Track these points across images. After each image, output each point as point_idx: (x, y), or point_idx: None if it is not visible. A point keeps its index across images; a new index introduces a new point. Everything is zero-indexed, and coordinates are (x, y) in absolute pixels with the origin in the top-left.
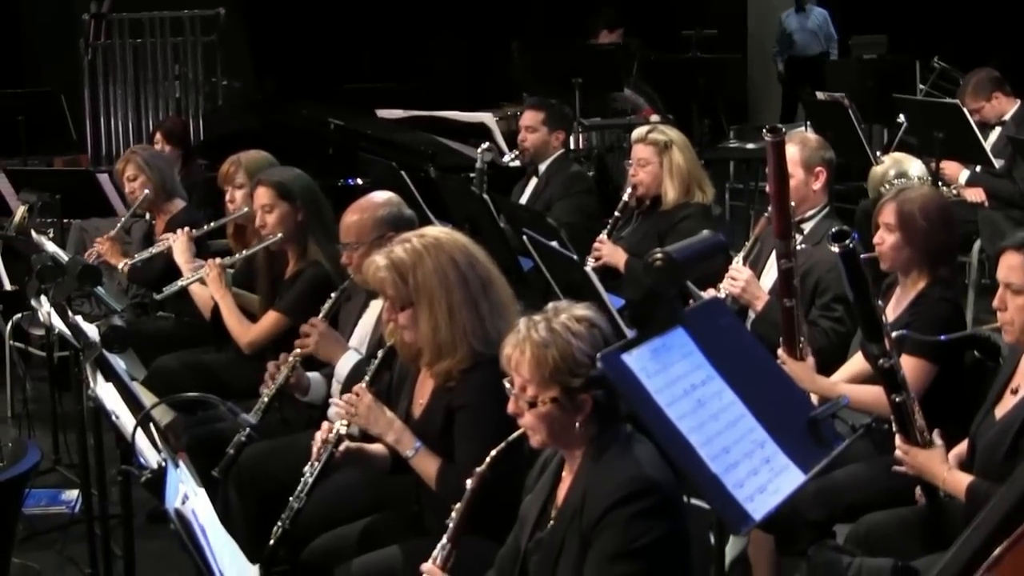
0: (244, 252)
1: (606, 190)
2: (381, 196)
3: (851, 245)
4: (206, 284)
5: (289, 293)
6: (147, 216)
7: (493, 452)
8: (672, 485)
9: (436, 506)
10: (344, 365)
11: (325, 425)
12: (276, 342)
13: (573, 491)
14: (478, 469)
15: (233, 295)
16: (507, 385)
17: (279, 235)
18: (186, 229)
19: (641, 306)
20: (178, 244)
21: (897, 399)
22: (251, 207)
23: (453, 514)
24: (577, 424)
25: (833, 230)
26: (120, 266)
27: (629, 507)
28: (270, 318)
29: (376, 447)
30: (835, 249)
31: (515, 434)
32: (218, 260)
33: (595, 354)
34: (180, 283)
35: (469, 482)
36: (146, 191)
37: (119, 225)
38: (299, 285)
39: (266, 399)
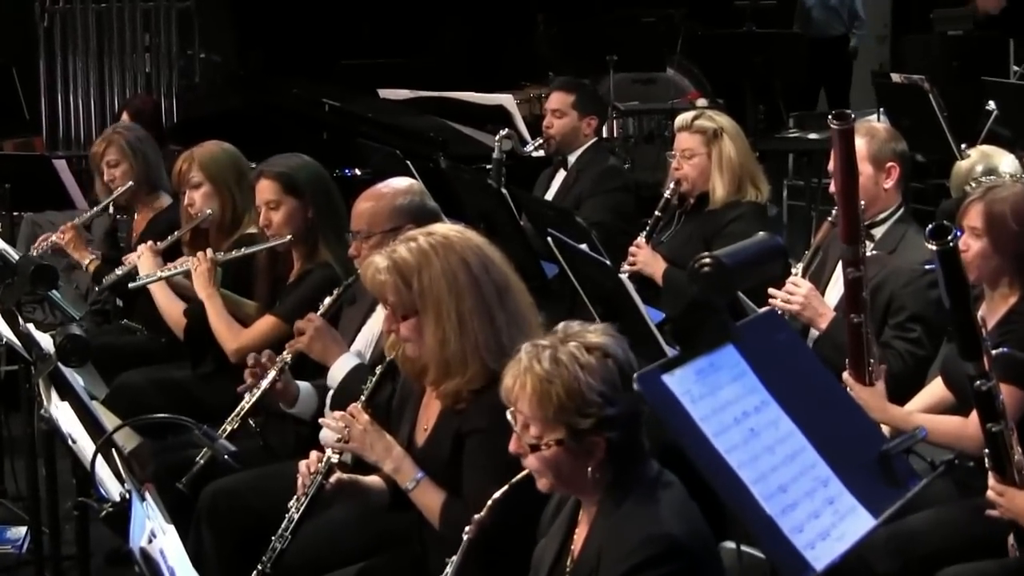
0: (244, 250)
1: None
2: (402, 183)
3: (952, 243)
4: (189, 280)
5: (291, 297)
6: (110, 210)
7: (494, 496)
8: (703, 543)
9: (441, 546)
10: (340, 368)
11: (314, 454)
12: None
13: (588, 546)
14: (476, 516)
15: (222, 298)
16: (509, 418)
17: (288, 237)
18: (149, 244)
19: (685, 320)
20: (143, 261)
21: (994, 429)
22: (216, 208)
23: (448, 568)
24: (588, 468)
25: (931, 225)
26: (85, 263)
27: (650, 572)
28: (266, 323)
29: (372, 478)
30: (932, 247)
31: (519, 476)
32: (209, 253)
33: (607, 390)
34: (160, 273)
35: (466, 532)
36: (129, 182)
37: (88, 213)
38: (303, 289)
39: (247, 405)
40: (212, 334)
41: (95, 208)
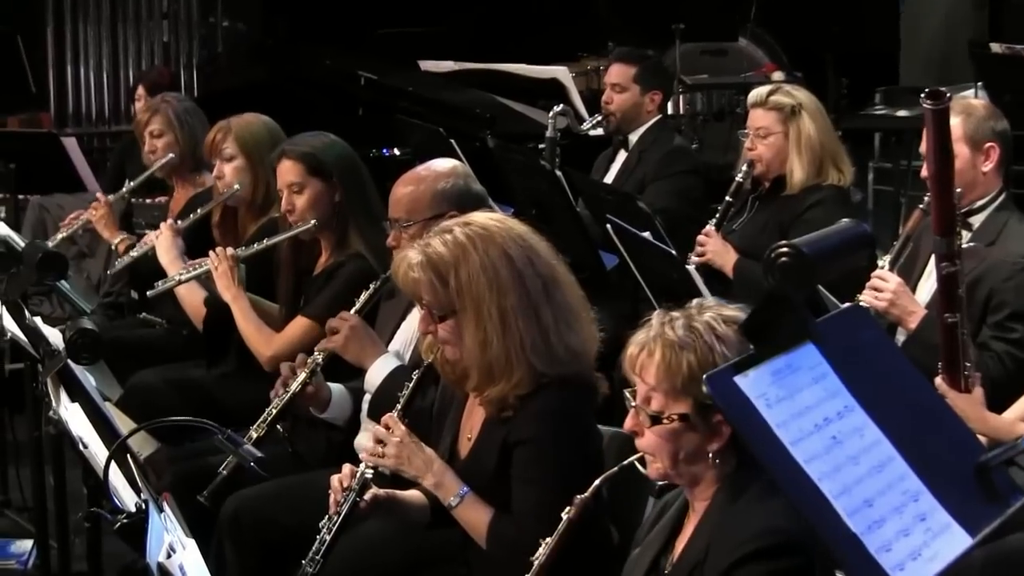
0: (266, 241)
1: None
2: (444, 164)
3: None
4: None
5: (322, 294)
6: (125, 189)
7: (601, 478)
8: (822, 548)
9: (488, 567)
10: (378, 371)
11: (347, 468)
12: None
13: (695, 541)
14: (580, 496)
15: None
16: (626, 395)
17: (312, 222)
18: (168, 222)
19: (759, 316)
20: (161, 241)
21: None
22: (246, 184)
23: (540, 550)
24: (710, 453)
25: None
26: (114, 243)
27: (762, 565)
28: (299, 326)
29: (412, 493)
30: None
31: (631, 458)
32: (229, 250)
33: None
34: (178, 278)
35: (566, 512)
36: (170, 155)
37: (124, 189)
38: (335, 284)
39: (275, 410)
40: (233, 328)
41: (132, 183)
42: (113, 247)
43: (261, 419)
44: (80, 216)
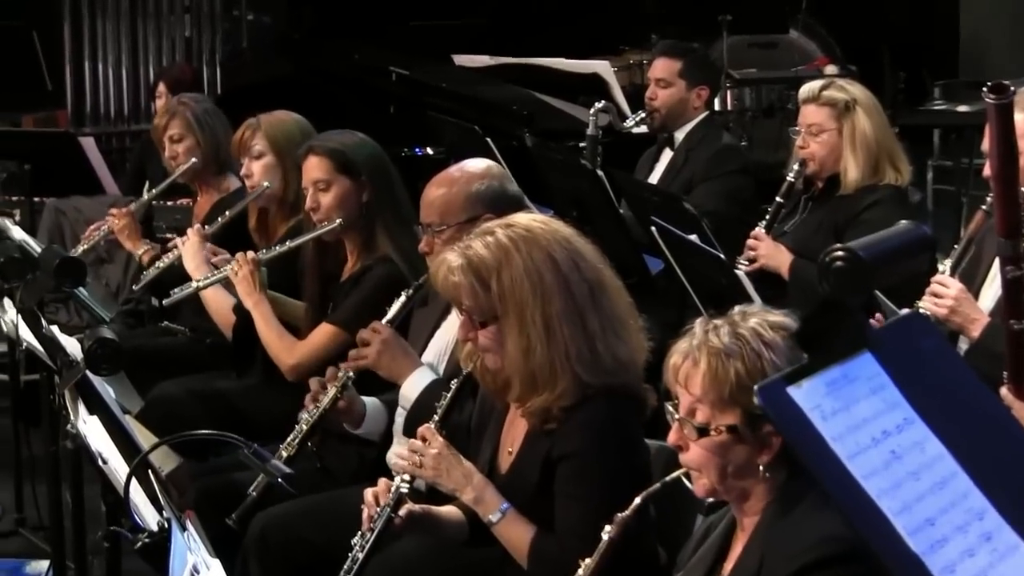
0: (288, 243)
1: None
2: (478, 165)
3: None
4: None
5: (349, 300)
6: (147, 197)
7: (643, 495)
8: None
9: None
10: (413, 386)
11: (382, 483)
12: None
13: (745, 560)
14: (620, 515)
15: (270, 301)
16: (669, 408)
17: (338, 221)
18: (196, 227)
19: (813, 323)
20: (188, 247)
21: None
22: (276, 182)
23: (580, 571)
24: (760, 466)
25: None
26: (138, 254)
27: (824, 574)
28: (324, 333)
29: (449, 509)
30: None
31: (675, 474)
32: (251, 254)
33: None
34: (195, 284)
35: (606, 531)
36: (193, 159)
37: (146, 196)
38: (362, 289)
39: (304, 427)
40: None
41: (154, 190)
42: (137, 258)
43: (291, 438)
44: (101, 227)
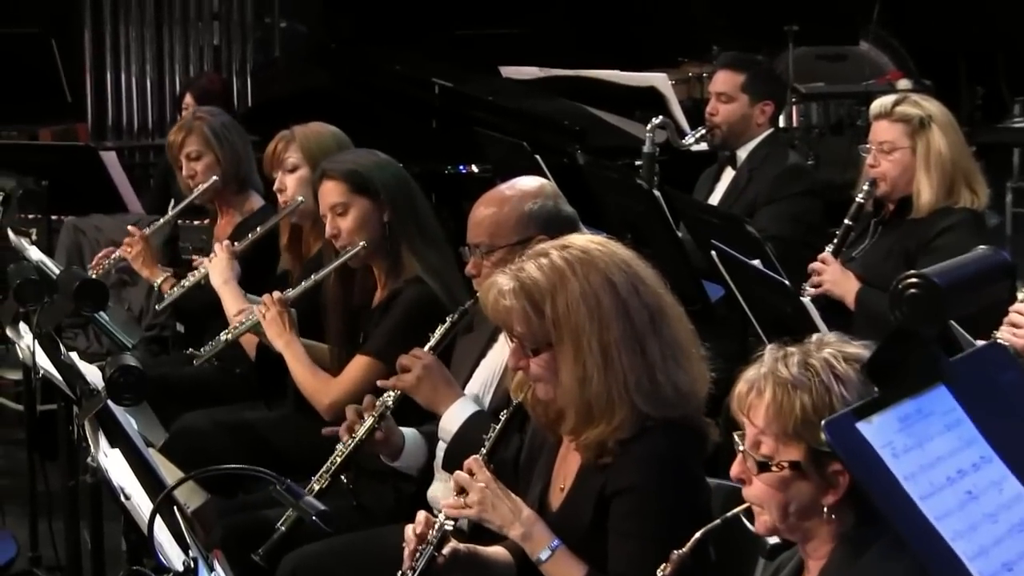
0: (313, 277)
1: None
2: (530, 183)
3: None
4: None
5: (381, 327)
6: (162, 220)
7: (701, 531)
8: None
9: None
10: (453, 418)
11: (422, 517)
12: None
13: None
14: (677, 552)
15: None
16: (736, 438)
17: (361, 244)
18: (224, 243)
19: (884, 354)
20: (215, 264)
21: None
22: (310, 197)
23: None
24: (824, 506)
25: None
26: (157, 283)
27: None
28: (358, 366)
29: (496, 549)
30: None
31: (736, 509)
32: (277, 294)
33: None
34: (225, 337)
35: (662, 570)
36: (213, 178)
37: (163, 219)
38: (394, 314)
39: (339, 459)
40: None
41: (171, 211)
42: (156, 287)
43: (324, 469)
44: (112, 253)
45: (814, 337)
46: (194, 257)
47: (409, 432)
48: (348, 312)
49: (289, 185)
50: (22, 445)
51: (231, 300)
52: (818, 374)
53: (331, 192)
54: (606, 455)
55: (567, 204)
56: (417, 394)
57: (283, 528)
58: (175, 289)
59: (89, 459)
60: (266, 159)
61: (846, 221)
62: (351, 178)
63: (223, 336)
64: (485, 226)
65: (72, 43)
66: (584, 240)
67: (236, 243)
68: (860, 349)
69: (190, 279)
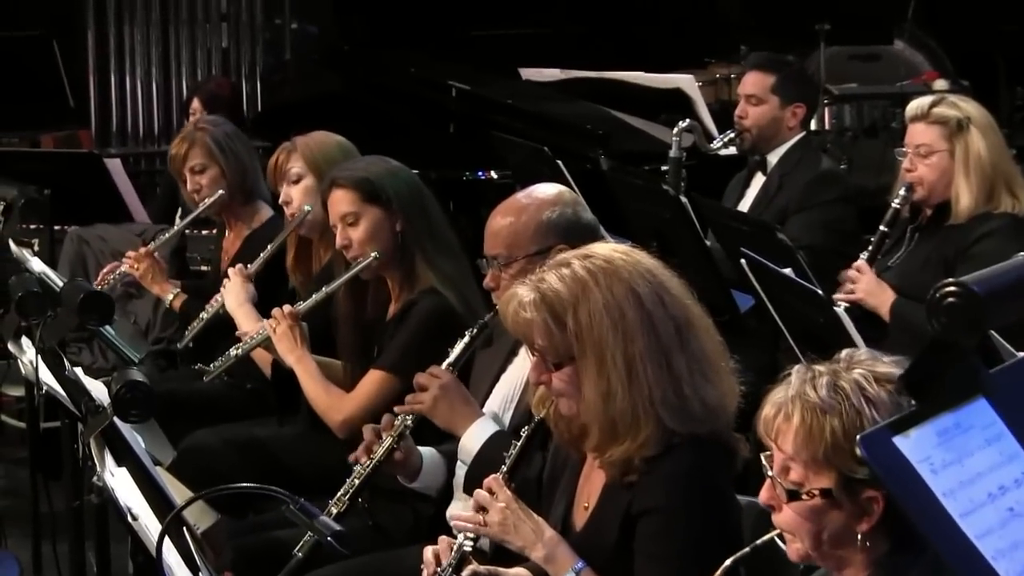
0: (325, 289)
1: None
2: (549, 190)
3: None
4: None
5: (395, 340)
6: (168, 235)
7: (733, 558)
8: None
9: None
10: (473, 438)
11: (443, 541)
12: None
13: None
14: None
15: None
16: (763, 460)
17: (373, 255)
18: (238, 267)
19: (922, 366)
20: (231, 290)
21: None
22: (317, 206)
23: None
24: (859, 534)
25: None
26: (168, 299)
27: None
28: (372, 381)
29: (517, 571)
30: None
31: (767, 536)
32: (288, 308)
33: None
34: (234, 353)
35: None
36: (220, 191)
37: (167, 235)
38: (409, 325)
39: (357, 481)
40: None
41: (177, 225)
42: (167, 303)
43: (342, 492)
44: (116, 268)
45: (843, 354)
46: (204, 268)
47: (427, 452)
48: (361, 326)
49: (295, 197)
50: (25, 464)
51: (247, 323)
52: (848, 397)
53: (341, 201)
54: (632, 473)
55: (588, 211)
56: (435, 416)
57: (301, 555)
58: (195, 323)
59: (94, 478)
60: (269, 172)
61: (881, 228)
62: (362, 186)
63: (233, 351)
64: (502, 237)
65: (75, 45)
66: (607, 249)
67: (248, 265)
68: (892, 368)
69: (208, 311)
